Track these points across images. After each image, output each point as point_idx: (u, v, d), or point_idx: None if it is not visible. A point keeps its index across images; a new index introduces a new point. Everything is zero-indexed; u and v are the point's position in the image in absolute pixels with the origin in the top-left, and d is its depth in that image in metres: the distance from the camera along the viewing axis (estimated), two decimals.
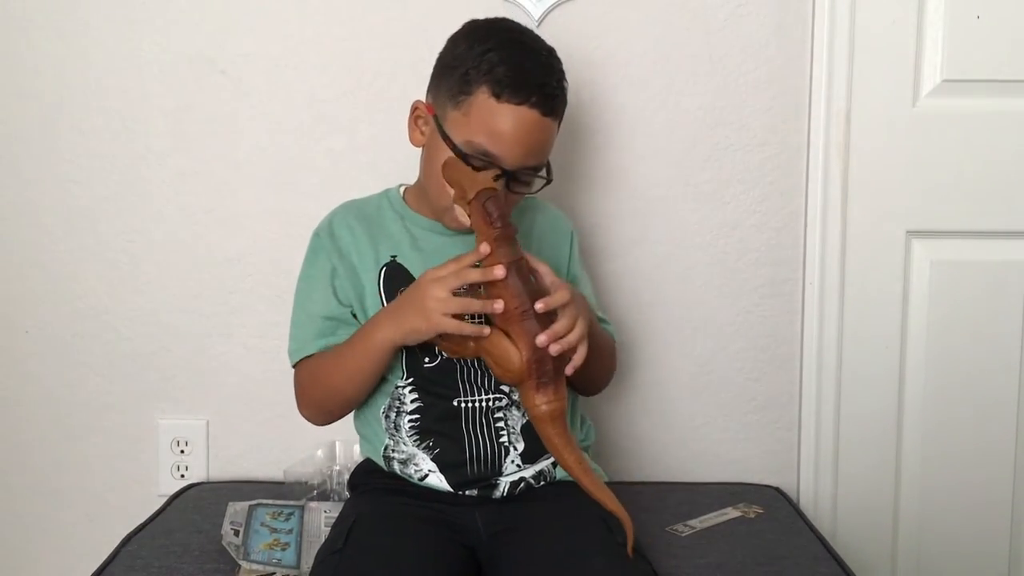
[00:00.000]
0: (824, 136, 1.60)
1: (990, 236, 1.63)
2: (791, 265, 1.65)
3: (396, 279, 1.26)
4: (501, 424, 1.26)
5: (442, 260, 1.18)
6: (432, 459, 1.26)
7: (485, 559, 1.20)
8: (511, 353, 1.11)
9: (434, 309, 1.12)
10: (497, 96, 1.18)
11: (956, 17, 1.57)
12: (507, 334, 1.12)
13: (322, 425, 1.34)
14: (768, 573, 1.28)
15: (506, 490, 1.25)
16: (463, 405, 1.25)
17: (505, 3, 1.55)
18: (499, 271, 1.09)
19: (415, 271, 1.25)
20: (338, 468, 1.53)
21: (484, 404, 1.26)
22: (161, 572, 1.27)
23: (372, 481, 1.30)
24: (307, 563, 1.25)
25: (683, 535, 1.40)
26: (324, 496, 1.50)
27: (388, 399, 1.28)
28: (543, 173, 1.25)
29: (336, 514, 1.31)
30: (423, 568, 1.11)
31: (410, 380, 1.27)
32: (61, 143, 1.61)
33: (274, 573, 1.25)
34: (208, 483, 1.64)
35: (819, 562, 1.32)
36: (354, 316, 1.28)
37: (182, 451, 1.67)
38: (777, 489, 1.62)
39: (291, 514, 1.41)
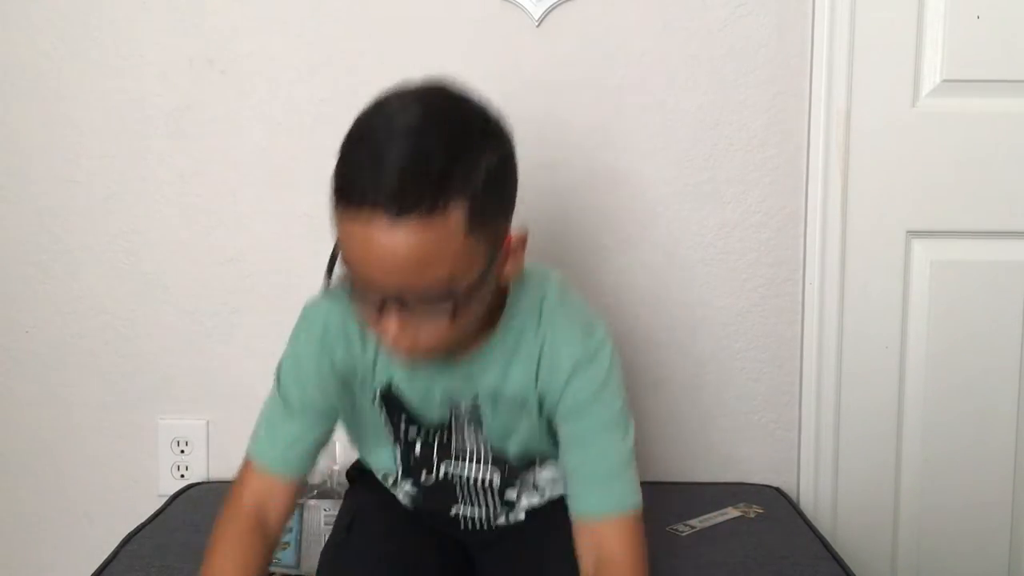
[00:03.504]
0: (824, 136, 1.60)
1: (990, 236, 1.63)
2: (791, 265, 1.65)
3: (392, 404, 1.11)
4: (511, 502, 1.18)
5: (433, 382, 1.03)
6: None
7: (481, 558, 1.21)
8: None
9: None
10: (338, 204, 0.87)
11: (956, 17, 1.57)
12: None
13: None
14: (768, 573, 1.28)
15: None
16: (460, 512, 1.18)
17: (504, 3, 1.55)
18: None
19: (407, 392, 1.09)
20: (338, 468, 1.52)
21: (485, 514, 1.18)
22: (161, 572, 1.28)
23: (370, 474, 1.30)
24: (307, 563, 1.25)
25: (683, 535, 1.40)
26: (324, 495, 1.50)
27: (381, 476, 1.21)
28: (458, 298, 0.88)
29: (336, 513, 1.31)
30: (424, 553, 1.12)
31: (404, 487, 1.19)
32: (61, 143, 1.61)
33: (274, 573, 1.25)
34: (208, 483, 1.64)
35: (819, 562, 1.32)
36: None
37: (182, 451, 1.67)
38: (777, 489, 1.62)
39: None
